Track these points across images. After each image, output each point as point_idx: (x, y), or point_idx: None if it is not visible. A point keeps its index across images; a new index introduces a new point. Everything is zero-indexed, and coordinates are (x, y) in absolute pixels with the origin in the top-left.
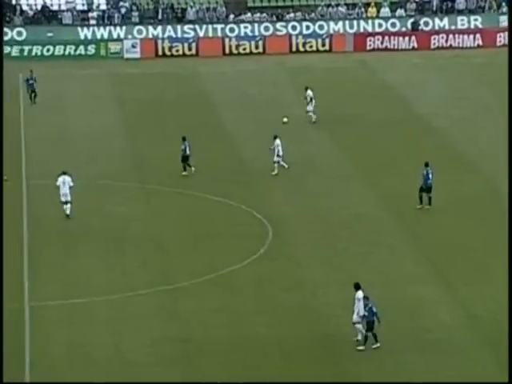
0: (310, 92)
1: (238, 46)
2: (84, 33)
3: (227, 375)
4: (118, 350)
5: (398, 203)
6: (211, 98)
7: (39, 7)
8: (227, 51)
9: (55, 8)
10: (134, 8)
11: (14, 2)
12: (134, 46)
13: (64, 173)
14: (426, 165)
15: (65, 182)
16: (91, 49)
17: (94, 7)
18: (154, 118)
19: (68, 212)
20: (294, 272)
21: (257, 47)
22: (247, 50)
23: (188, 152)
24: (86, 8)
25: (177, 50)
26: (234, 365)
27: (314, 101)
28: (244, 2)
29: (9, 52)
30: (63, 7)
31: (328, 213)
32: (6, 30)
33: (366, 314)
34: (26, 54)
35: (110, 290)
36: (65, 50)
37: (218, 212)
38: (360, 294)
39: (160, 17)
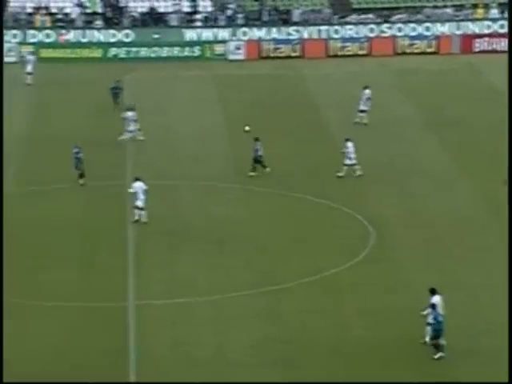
0: (367, 91)
1: (342, 48)
2: (189, 35)
3: (328, 377)
4: (219, 350)
5: (506, 207)
6: (315, 100)
7: (146, 9)
8: (331, 53)
9: (162, 10)
10: (240, 10)
11: (122, 4)
12: (238, 48)
13: (137, 179)
14: None
15: (139, 188)
16: (196, 50)
17: (200, 9)
18: (257, 120)
19: (144, 219)
20: (396, 275)
21: (361, 49)
22: (352, 52)
23: (260, 153)
24: (191, 10)
25: (281, 52)
26: (335, 367)
27: (370, 101)
28: (349, 3)
29: (116, 54)
30: (170, 9)
31: (431, 215)
32: (114, 31)
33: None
34: (132, 55)
35: (212, 290)
36: (170, 51)
37: (319, 214)
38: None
39: (265, 19)
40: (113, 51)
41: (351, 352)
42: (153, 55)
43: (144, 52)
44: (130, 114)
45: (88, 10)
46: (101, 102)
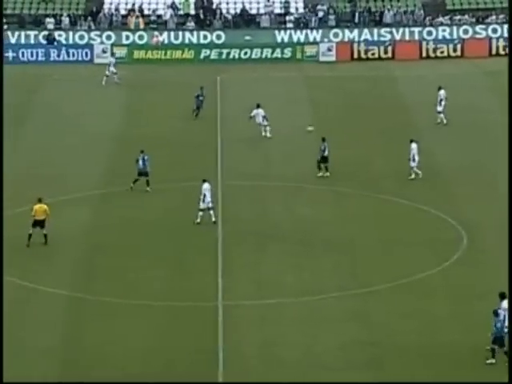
0: (442, 92)
1: (435, 50)
2: (281, 36)
3: (416, 380)
4: (308, 351)
5: None
6: (407, 102)
7: (238, 11)
8: (424, 54)
9: (254, 12)
10: (331, 11)
11: (214, 6)
12: (329, 49)
13: (205, 180)
14: None
15: (207, 190)
16: (287, 52)
17: (292, 10)
18: (348, 121)
19: (213, 218)
20: (489, 279)
21: (455, 50)
22: (445, 54)
23: (326, 153)
24: (283, 11)
25: (373, 54)
26: (424, 370)
27: (444, 102)
28: (443, 4)
29: (208, 55)
30: (262, 11)
31: None
32: (206, 33)
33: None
34: (224, 56)
35: (300, 291)
36: (262, 53)
37: (409, 216)
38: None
39: (357, 20)
40: (204, 53)
41: (441, 356)
42: (244, 57)
43: (235, 53)
44: (259, 110)
45: (180, 12)
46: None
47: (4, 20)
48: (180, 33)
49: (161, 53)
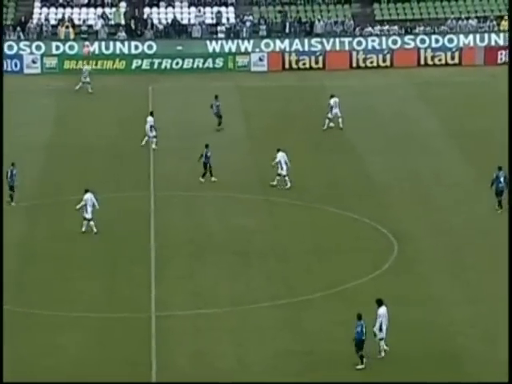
0: (334, 100)
1: (365, 60)
2: (212, 46)
3: None
4: (241, 361)
5: None
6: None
7: (170, 21)
8: (354, 64)
9: (185, 22)
10: (262, 22)
11: (145, 16)
12: (261, 59)
13: (87, 190)
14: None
15: (89, 200)
16: (219, 62)
17: (224, 21)
18: (279, 131)
19: (94, 229)
20: (419, 288)
21: (384, 60)
22: (374, 64)
23: (205, 159)
24: (215, 22)
25: (304, 64)
26: (355, 379)
27: (335, 109)
28: (372, 14)
29: (139, 65)
30: (193, 21)
31: (455, 227)
32: (137, 43)
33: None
34: (156, 67)
35: (234, 301)
36: (193, 63)
37: (341, 225)
38: (382, 310)
39: (287, 30)
40: (136, 63)
41: (373, 365)
42: (176, 67)
43: (167, 63)
44: (150, 118)
45: (111, 22)
46: (123, 113)
47: None
48: (111, 43)
49: (92, 63)
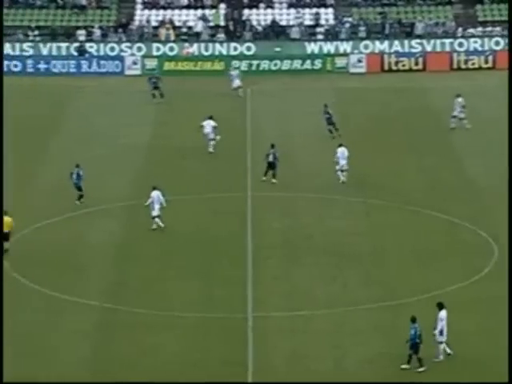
0: (460, 99)
1: (466, 61)
2: (311, 47)
3: None
4: (337, 363)
5: None
6: (438, 114)
7: (269, 22)
8: (455, 66)
9: (284, 23)
10: (361, 23)
11: (244, 17)
12: (359, 61)
13: (154, 188)
14: None
15: (156, 198)
16: (317, 63)
17: (322, 22)
18: (378, 133)
19: (161, 224)
20: None
21: (486, 62)
22: (476, 65)
23: (270, 159)
24: (313, 23)
25: (403, 65)
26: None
27: (460, 109)
28: (474, 16)
29: (238, 67)
30: (292, 22)
31: None
32: (236, 44)
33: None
34: (254, 68)
35: (330, 303)
36: (291, 64)
37: (440, 229)
38: (442, 313)
39: (387, 31)
40: (234, 64)
41: (471, 370)
42: (274, 68)
43: (265, 65)
44: (211, 122)
45: (211, 24)
46: (221, 115)
47: (36, 32)
48: (210, 44)
49: (191, 64)
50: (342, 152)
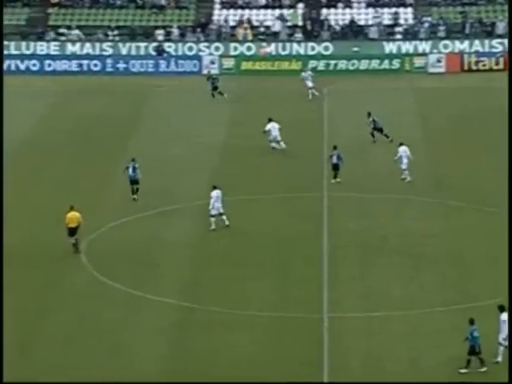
0: None
1: None
2: (389, 47)
3: None
4: (414, 365)
5: None
6: None
7: (347, 22)
8: None
9: (362, 23)
10: (441, 22)
11: (322, 17)
12: (439, 61)
13: (215, 187)
14: None
15: (216, 197)
16: (396, 63)
17: (401, 22)
18: (457, 134)
19: (227, 222)
20: None
21: None
22: None
23: (334, 160)
24: (392, 22)
25: (484, 65)
26: None
27: None
28: None
29: (315, 66)
30: (370, 22)
31: None
32: (313, 44)
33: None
34: (331, 68)
35: (406, 304)
36: (369, 64)
37: None
38: (504, 316)
39: (467, 31)
40: (311, 64)
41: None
42: (351, 68)
43: (342, 65)
44: (275, 124)
45: (289, 23)
46: (298, 115)
47: (116, 32)
48: (288, 44)
49: (268, 64)
50: (403, 151)
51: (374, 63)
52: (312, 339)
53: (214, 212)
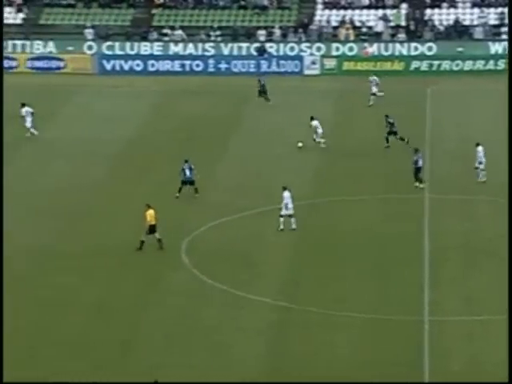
0: None
1: None
2: (495, 48)
3: None
4: None
5: None
6: None
7: (451, 22)
8: None
9: (467, 23)
10: None
11: (426, 17)
12: None
13: (285, 188)
14: None
15: (287, 198)
16: (501, 64)
17: (508, 22)
18: None
19: (294, 226)
20: None
21: None
22: None
23: (420, 164)
24: (498, 22)
25: None
26: None
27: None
28: None
29: (418, 66)
30: (475, 22)
31: None
32: (416, 44)
33: None
34: (434, 68)
35: (510, 308)
36: (474, 65)
37: None
38: None
39: None
40: (414, 64)
41: None
42: (455, 68)
43: (446, 65)
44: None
45: (391, 24)
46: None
47: (218, 32)
48: (390, 44)
49: (370, 64)
50: (480, 151)
51: (479, 64)
52: (412, 342)
53: (285, 212)
